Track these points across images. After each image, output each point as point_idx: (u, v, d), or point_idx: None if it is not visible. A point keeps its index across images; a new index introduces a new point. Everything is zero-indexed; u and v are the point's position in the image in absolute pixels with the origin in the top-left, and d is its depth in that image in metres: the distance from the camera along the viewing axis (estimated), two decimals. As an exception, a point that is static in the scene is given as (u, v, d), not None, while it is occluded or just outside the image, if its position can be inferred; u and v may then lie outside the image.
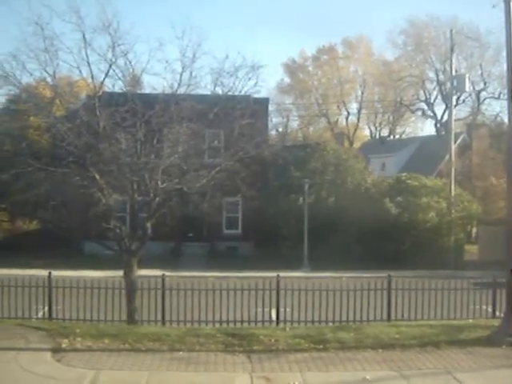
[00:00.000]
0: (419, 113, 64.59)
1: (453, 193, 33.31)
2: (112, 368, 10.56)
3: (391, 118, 66.20)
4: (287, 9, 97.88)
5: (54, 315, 15.73)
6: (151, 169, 15.14)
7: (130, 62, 15.59)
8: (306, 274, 27.67)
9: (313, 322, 15.47)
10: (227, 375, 10.39)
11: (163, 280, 15.98)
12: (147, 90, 17.78)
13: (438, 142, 46.21)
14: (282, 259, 29.70)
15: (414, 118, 67.61)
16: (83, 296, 15.74)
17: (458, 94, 44.89)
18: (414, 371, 10.58)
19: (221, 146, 20.78)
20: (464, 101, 57.20)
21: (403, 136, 67.42)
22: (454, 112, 38.40)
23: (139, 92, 16.49)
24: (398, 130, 69.31)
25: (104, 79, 15.68)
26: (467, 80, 35.68)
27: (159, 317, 15.71)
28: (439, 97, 59.56)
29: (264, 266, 27.07)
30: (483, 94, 58.12)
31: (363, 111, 64.44)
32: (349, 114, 64.80)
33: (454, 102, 44.17)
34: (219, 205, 25.81)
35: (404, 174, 36.14)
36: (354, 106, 65.48)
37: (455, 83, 35.16)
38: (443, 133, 51.54)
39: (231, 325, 15.27)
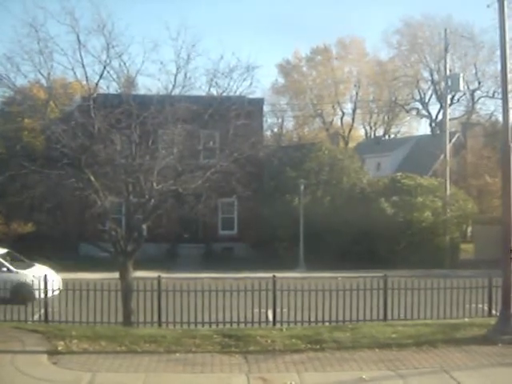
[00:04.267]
0: (414, 112, 64.71)
1: (448, 192, 33.39)
2: (108, 370, 10.54)
3: (386, 117, 66.24)
4: (281, 9, 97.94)
5: (49, 318, 15.71)
6: (146, 170, 15.14)
7: (125, 64, 15.61)
8: (302, 274, 27.66)
9: (309, 322, 15.47)
10: (224, 376, 10.39)
11: (159, 281, 15.97)
12: (142, 92, 17.79)
13: (432, 141, 46.27)
14: (278, 260, 29.72)
15: (408, 118, 67.74)
16: (79, 298, 15.71)
17: (453, 93, 44.89)
18: (410, 370, 10.60)
19: (216, 146, 20.78)
20: (458, 100, 57.33)
21: (398, 136, 67.51)
22: (448, 111, 38.47)
23: (134, 93, 16.47)
24: (393, 129, 69.44)
25: (98, 81, 15.69)
26: (461, 79, 35.78)
27: (155, 318, 15.70)
28: (434, 96, 59.71)
29: (260, 266, 27.08)
30: (477, 93, 58.26)
31: (358, 111, 64.43)
32: (344, 114, 64.83)
33: (449, 102, 44.24)
34: (215, 206, 25.82)
35: (399, 173, 36.19)
36: (348, 106, 65.48)
37: (449, 83, 35.24)
38: (438, 132, 51.60)
39: (228, 326, 15.28)
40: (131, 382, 10.00)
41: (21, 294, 16.72)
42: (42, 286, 16.20)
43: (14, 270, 20.96)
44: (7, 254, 22.04)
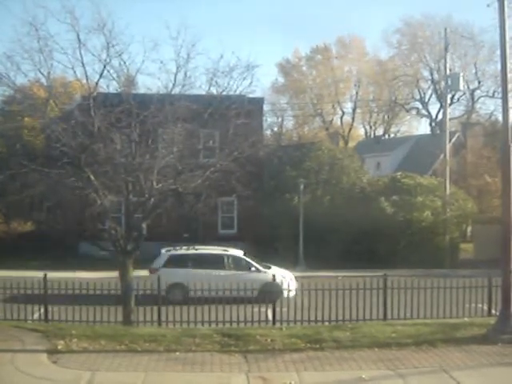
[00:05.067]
0: (414, 112, 64.62)
1: (448, 191, 33.37)
2: (108, 369, 10.54)
3: (386, 117, 66.17)
4: (281, 8, 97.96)
5: (49, 317, 15.70)
6: (146, 169, 15.13)
7: (125, 63, 15.59)
8: (302, 273, 27.62)
9: (309, 321, 15.48)
10: (223, 375, 10.39)
11: (159, 281, 15.97)
12: (142, 91, 17.75)
13: (432, 140, 46.26)
14: (278, 259, 29.63)
15: (408, 117, 67.64)
16: (79, 297, 15.71)
17: (453, 92, 44.86)
18: (410, 370, 10.61)
19: (216, 146, 20.77)
20: (458, 100, 57.25)
21: (398, 135, 67.44)
22: (448, 111, 38.44)
23: (134, 92, 16.45)
24: (393, 129, 69.36)
25: (98, 80, 15.68)
26: (461, 79, 35.76)
27: (155, 317, 15.69)
28: (434, 96, 59.60)
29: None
30: (477, 92, 58.19)
31: (358, 110, 64.36)
32: (343, 113, 64.76)
33: (449, 101, 44.20)
34: (214, 205, 25.79)
35: (399, 173, 36.18)
36: (348, 106, 65.41)
37: (449, 82, 35.22)
38: (438, 132, 51.57)
39: (227, 325, 15.28)
40: (131, 381, 9.99)
41: (269, 293, 16.91)
42: (287, 286, 17.43)
43: (262, 269, 21.41)
44: (243, 254, 22.61)
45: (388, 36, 62.73)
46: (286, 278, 19.46)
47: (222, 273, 19.95)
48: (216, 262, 21.27)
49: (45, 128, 17.24)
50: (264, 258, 29.97)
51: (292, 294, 17.64)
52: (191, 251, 21.75)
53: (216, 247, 23.16)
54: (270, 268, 21.87)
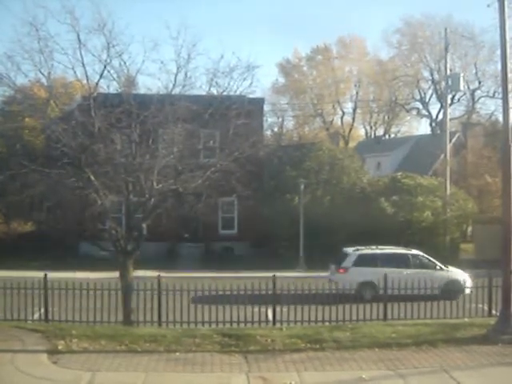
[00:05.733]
0: (414, 112, 64.67)
1: (448, 192, 33.36)
2: (108, 369, 10.54)
3: (386, 117, 66.20)
4: (281, 8, 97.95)
5: (50, 317, 15.69)
6: (146, 169, 15.13)
7: (125, 63, 15.61)
8: (302, 273, 27.64)
9: (309, 321, 15.48)
10: (224, 375, 10.38)
11: (159, 281, 15.97)
12: (142, 91, 17.78)
13: (433, 141, 46.23)
14: (278, 259, 29.67)
15: (409, 118, 67.72)
16: (79, 297, 15.70)
17: (453, 93, 44.79)
18: (410, 370, 10.60)
19: (216, 146, 20.77)
20: (459, 100, 57.27)
21: (398, 135, 67.47)
22: (448, 111, 38.44)
23: (134, 93, 16.46)
24: (393, 129, 69.40)
25: (99, 80, 15.70)
26: (462, 79, 35.76)
27: (155, 318, 15.69)
28: (434, 96, 59.69)
29: (260, 266, 27.06)
30: (478, 92, 58.24)
31: (358, 111, 64.41)
32: (344, 113, 64.81)
33: (449, 101, 44.23)
34: (215, 205, 25.82)
35: (399, 173, 36.15)
36: (349, 106, 65.48)
37: (450, 82, 35.22)
38: (438, 132, 51.57)
39: (227, 325, 15.27)
40: (131, 382, 9.99)
41: (452, 291, 17.98)
42: (467, 284, 19.11)
43: (445, 268, 22.04)
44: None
45: (388, 36, 62.85)
46: (464, 277, 20.54)
47: (409, 271, 20.75)
48: (402, 260, 22.06)
49: (45, 128, 17.26)
50: (264, 258, 30.14)
51: (469, 291, 18.34)
52: (378, 250, 22.75)
53: (395, 247, 23.91)
54: (448, 267, 22.43)
